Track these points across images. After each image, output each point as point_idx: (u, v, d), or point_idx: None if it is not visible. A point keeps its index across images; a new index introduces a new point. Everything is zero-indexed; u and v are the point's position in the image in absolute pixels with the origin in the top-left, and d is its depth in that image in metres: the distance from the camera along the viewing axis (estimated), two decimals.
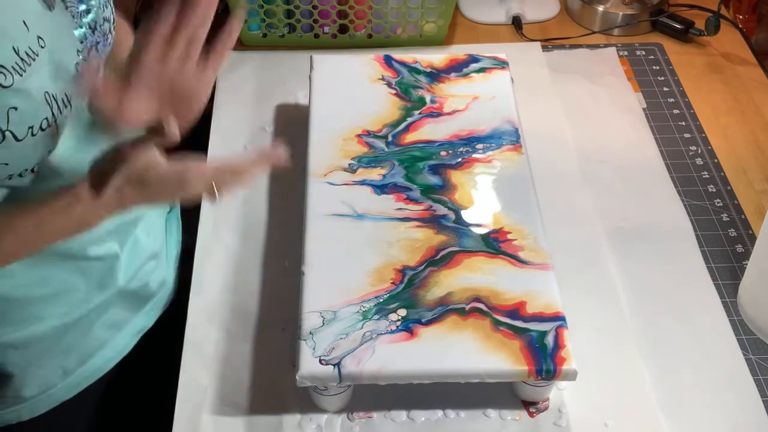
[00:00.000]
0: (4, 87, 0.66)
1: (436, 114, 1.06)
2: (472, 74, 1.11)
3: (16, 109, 0.67)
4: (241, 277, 0.99)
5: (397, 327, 0.83)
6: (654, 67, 1.31)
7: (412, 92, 1.08)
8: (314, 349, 0.81)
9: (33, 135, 0.70)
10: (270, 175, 1.10)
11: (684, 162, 1.15)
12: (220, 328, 0.94)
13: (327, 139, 1.02)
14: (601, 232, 1.05)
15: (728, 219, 1.07)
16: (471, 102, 1.07)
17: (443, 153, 1.01)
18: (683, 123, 1.21)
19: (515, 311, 0.84)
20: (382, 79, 1.10)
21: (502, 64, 1.13)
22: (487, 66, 1.12)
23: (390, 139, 1.02)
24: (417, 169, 0.98)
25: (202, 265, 1.00)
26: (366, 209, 0.94)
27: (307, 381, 0.80)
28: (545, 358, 0.80)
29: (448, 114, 1.06)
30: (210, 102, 1.20)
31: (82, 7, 0.77)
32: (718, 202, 1.09)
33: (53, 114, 0.71)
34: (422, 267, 0.88)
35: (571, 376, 0.80)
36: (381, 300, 0.85)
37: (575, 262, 1.00)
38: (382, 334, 0.82)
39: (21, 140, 0.69)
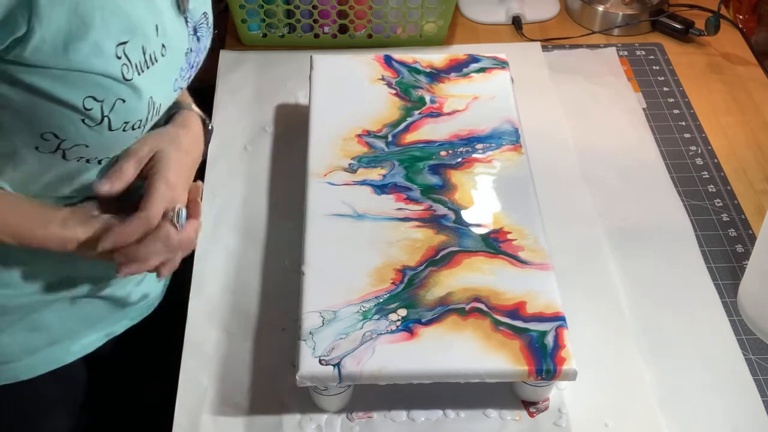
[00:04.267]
0: (125, 80, 0.71)
1: (436, 114, 1.06)
2: (472, 74, 1.11)
3: (123, 101, 0.72)
4: (241, 277, 0.99)
5: (397, 327, 0.83)
6: (654, 67, 1.31)
7: (412, 92, 1.08)
8: (314, 349, 0.81)
9: (124, 130, 0.75)
10: (270, 175, 1.10)
11: (684, 162, 1.15)
12: (220, 328, 0.94)
13: (327, 139, 1.02)
14: (601, 232, 1.05)
15: (728, 219, 1.07)
16: (471, 102, 1.07)
17: (443, 153, 1.01)
18: (683, 123, 1.21)
19: (515, 311, 0.84)
20: (382, 79, 1.10)
21: (502, 64, 1.13)
22: (487, 66, 1.12)
23: (390, 139, 1.02)
24: (417, 169, 0.98)
25: (202, 265, 1.00)
26: (366, 209, 0.94)
27: (307, 381, 0.80)
28: (545, 358, 0.80)
29: (448, 114, 1.06)
30: (210, 102, 1.21)
31: (193, 30, 0.83)
32: (718, 202, 1.09)
33: (147, 119, 0.76)
34: (422, 267, 0.88)
35: (571, 376, 0.80)
36: (381, 300, 0.85)
37: (575, 262, 1.00)
38: (382, 334, 0.82)
39: (113, 131, 0.74)
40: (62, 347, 0.92)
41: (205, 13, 0.84)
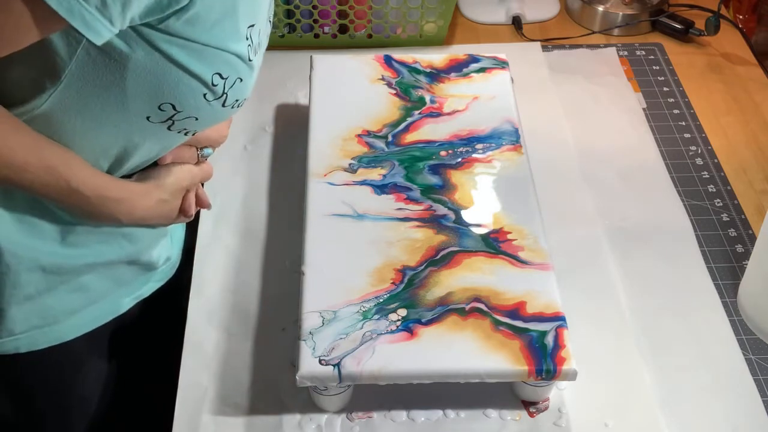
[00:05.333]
0: (249, 60, 0.76)
1: (436, 114, 1.06)
2: (472, 74, 1.11)
3: (242, 80, 0.77)
4: (241, 277, 0.99)
5: (397, 327, 0.83)
6: (654, 67, 1.31)
7: (412, 92, 1.08)
8: (314, 349, 0.81)
9: (232, 107, 0.79)
10: (270, 175, 1.10)
11: (684, 162, 1.15)
12: (220, 328, 0.94)
13: (327, 139, 1.02)
14: (601, 232, 1.05)
15: (728, 219, 1.07)
16: (471, 102, 1.07)
17: (443, 153, 1.01)
18: (683, 123, 1.21)
19: (515, 311, 0.84)
20: (382, 79, 1.10)
21: (502, 64, 1.13)
22: (487, 66, 1.12)
23: (390, 139, 1.02)
24: (417, 169, 0.98)
25: (202, 265, 1.00)
26: (366, 209, 0.94)
27: (307, 381, 0.80)
28: (545, 358, 0.80)
29: (448, 114, 1.06)
30: None
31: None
32: (718, 202, 1.09)
33: (244, 98, 0.81)
34: (422, 267, 0.88)
35: (571, 376, 0.80)
36: (381, 300, 0.85)
37: (575, 262, 1.00)
38: (382, 334, 0.82)
39: (225, 107, 0.79)
40: (100, 307, 0.93)
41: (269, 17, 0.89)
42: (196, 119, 0.78)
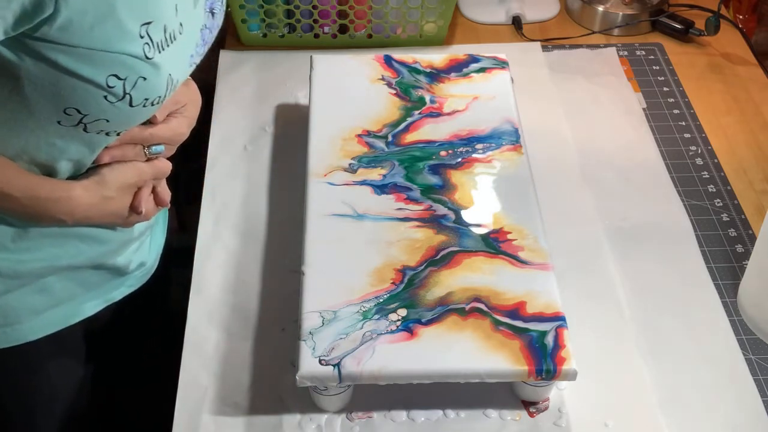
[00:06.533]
0: (147, 58, 0.74)
1: (436, 114, 1.06)
2: (472, 74, 1.11)
3: (145, 79, 0.75)
4: (241, 277, 0.99)
5: (397, 327, 0.83)
6: (654, 67, 1.31)
7: (412, 92, 1.08)
8: (314, 349, 0.81)
9: (144, 106, 0.77)
10: (270, 175, 1.10)
11: (684, 162, 1.15)
12: (220, 328, 0.94)
13: (327, 139, 1.02)
14: (601, 232, 1.05)
15: (728, 219, 1.07)
16: (471, 102, 1.07)
17: (443, 153, 1.01)
18: (683, 123, 1.21)
19: (515, 311, 0.84)
20: (382, 79, 1.10)
21: (502, 64, 1.13)
22: (487, 66, 1.12)
23: (390, 139, 1.02)
24: (417, 169, 0.98)
25: (202, 265, 1.00)
26: (366, 209, 0.94)
27: (307, 381, 0.80)
28: (545, 358, 0.80)
29: (448, 114, 1.06)
30: (210, 102, 1.21)
31: (209, 7, 0.85)
32: (718, 202, 1.09)
33: (165, 95, 0.79)
34: (422, 267, 0.88)
35: (571, 376, 0.80)
36: (381, 300, 0.85)
37: (575, 262, 1.00)
38: (382, 334, 0.82)
39: (134, 107, 0.76)
40: (65, 309, 0.93)
41: None
42: (107, 121, 0.77)
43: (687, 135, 1.19)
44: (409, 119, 1.05)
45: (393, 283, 0.86)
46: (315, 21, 1.29)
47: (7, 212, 0.81)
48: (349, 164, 0.99)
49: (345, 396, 0.85)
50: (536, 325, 0.83)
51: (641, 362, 0.91)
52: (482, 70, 1.12)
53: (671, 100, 1.25)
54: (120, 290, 0.98)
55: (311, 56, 1.14)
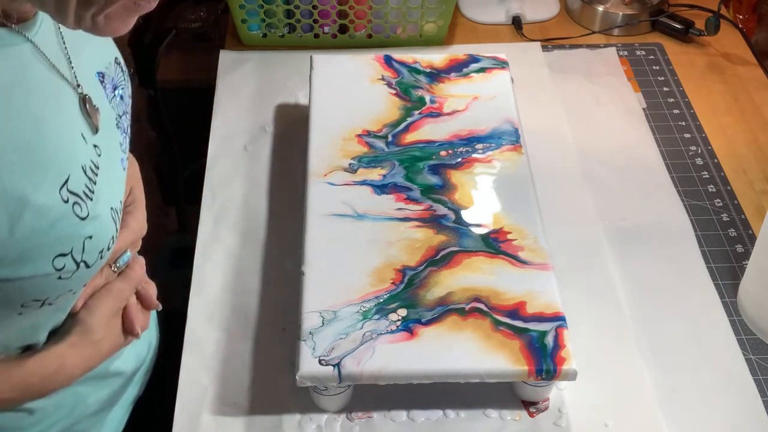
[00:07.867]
0: (81, 219, 0.65)
1: (436, 114, 1.06)
2: (472, 74, 1.11)
3: (91, 238, 0.66)
4: (241, 277, 0.99)
5: (397, 327, 0.83)
6: (654, 67, 1.31)
7: (412, 92, 1.08)
8: (314, 349, 0.81)
9: (101, 258, 0.69)
10: (270, 175, 1.11)
11: (684, 162, 1.15)
12: (220, 328, 0.94)
13: (327, 139, 1.02)
14: (601, 232, 1.05)
15: (728, 219, 1.07)
16: (471, 102, 1.07)
17: (443, 153, 1.01)
18: (683, 123, 1.21)
19: (515, 311, 0.84)
20: (382, 79, 1.10)
21: (502, 64, 1.13)
22: (487, 66, 1.12)
23: (390, 139, 1.02)
24: (417, 169, 0.98)
25: (202, 265, 1.00)
26: (366, 209, 0.94)
27: (307, 381, 0.80)
28: (545, 358, 0.80)
29: (448, 114, 1.06)
30: (210, 102, 1.21)
31: (115, 91, 0.76)
32: (718, 202, 1.09)
33: (116, 229, 0.70)
34: (422, 267, 0.88)
35: (571, 376, 0.80)
36: (381, 300, 0.85)
37: (575, 262, 1.00)
38: (382, 334, 0.82)
39: (91, 267, 0.68)
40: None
41: (116, 59, 0.77)
42: (71, 291, 0.70)
43: (687, 135, 1.19)
44: (409, 119, 1.05)
45: (393, 283, 0.86)
46: (315, 21, 1.29)
47: (12, 408, 0.77)
48: (349, 164, 0.99)
49: (345, 396, 0.85)
50: (536, 325, 0.83)
51: (641, 362, 0.91)
52: (482, 70, 1.12)
53: (671, 100, 1.25)
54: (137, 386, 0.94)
55: (311, 56, 1.14)
